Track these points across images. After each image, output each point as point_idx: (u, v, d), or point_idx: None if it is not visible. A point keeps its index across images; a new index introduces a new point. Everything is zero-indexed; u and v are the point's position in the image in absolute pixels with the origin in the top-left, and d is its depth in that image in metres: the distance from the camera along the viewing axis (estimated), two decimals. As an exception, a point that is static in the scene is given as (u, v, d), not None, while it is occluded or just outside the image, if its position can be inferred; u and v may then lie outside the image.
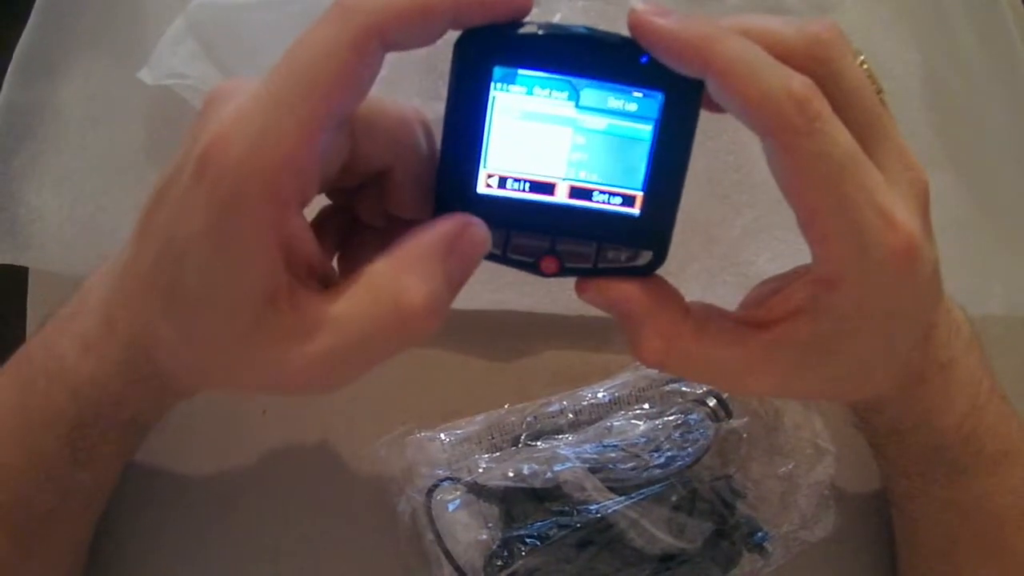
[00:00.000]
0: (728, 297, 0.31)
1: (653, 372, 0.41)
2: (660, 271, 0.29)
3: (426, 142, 0.29)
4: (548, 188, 0.27)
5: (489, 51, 0.26)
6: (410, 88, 0.43)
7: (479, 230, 0.26)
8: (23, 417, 0.30)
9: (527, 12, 0.25)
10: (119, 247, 0.29)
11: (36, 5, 0.43)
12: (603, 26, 0.26)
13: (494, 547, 0.38)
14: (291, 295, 0.25)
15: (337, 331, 0.25)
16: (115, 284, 0.28)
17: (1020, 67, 0.47)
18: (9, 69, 0.42)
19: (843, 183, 0.25)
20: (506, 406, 0.41)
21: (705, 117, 0.28)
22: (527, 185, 0.27)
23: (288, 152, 0.23)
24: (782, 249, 0.44)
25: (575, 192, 0.27)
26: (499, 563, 0.37)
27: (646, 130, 0.26)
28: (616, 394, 0.41)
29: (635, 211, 0.27)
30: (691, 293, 0.30)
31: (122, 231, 0.41)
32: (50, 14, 0.43)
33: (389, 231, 0.30)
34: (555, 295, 0.42)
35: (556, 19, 0.42)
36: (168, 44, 0.41)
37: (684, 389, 0.41)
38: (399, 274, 0.25)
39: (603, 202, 0.27)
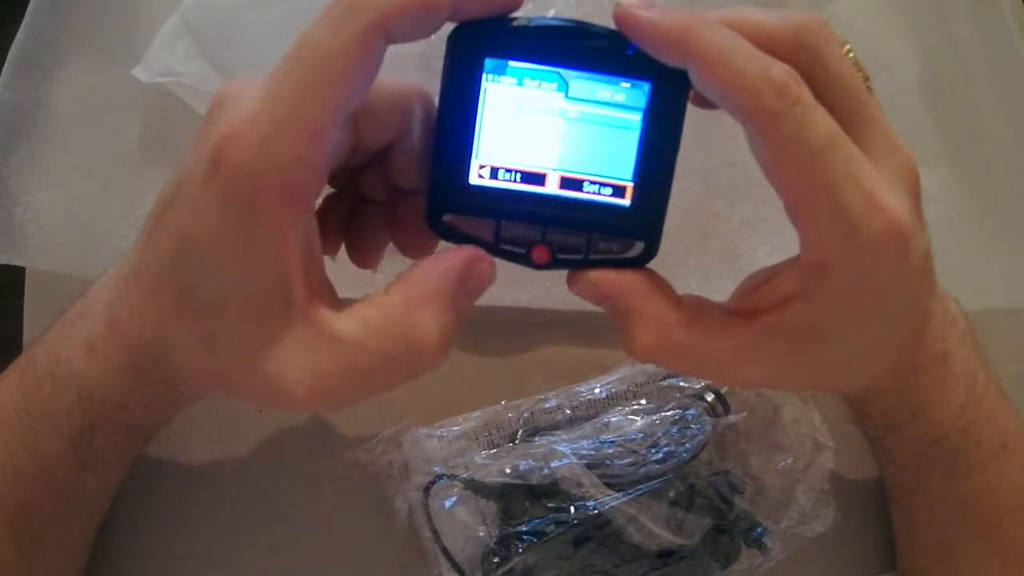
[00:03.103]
0: (725, 292, 0.31)
1: (650, 367, 0.41)
2: (655, 265, 0.29)
3: (426, 114, 0.29)
4: (539, 179, 0.27)
5: (480, 43, 0.26)
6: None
7: (487, 266, 0.27)
8: (27, 419, 0.30)
9: (518, 6, 0.26)
10: (123, 253, 0.29)
11: (31, 4, 0.43)
12: (597, 19, 0.26)
13: (491, 544, 0.38)
14: (307, 305, 0.25)
15: (350, 354, 0.25)
16: (121, 288, 0.28)
17: (1019, 59, 0.46)
18: (4, 68, 0.42)
19: (825, 165, 0.25)
20: (503, 402, 0.41)
21: (702, 112, 0.28)
22: (518, 175, 0.27)
23: (301, 150, 0.24)
24: (779, 244, 0.44)
25: (565, 182, 0.27)
26: (496, 560, 0.37)
27: (635, 120, 0.27)
28: (613, 390, 0.41)
29: (625, 202, 0.27)
30: (688, 288, 0.30)
31: (118, 229, 0.42)
32: (45, 13, 0.43)
33: (392, 204, 0.31)
34: (551, 291, 0.42)
35: (551, 13, 0.41)
36: (163, 42, 0.40)
37: (682, 384, 0.40)
38: (414, 309, 0.25)
39: (594, 192, 0.27)
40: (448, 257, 0.26)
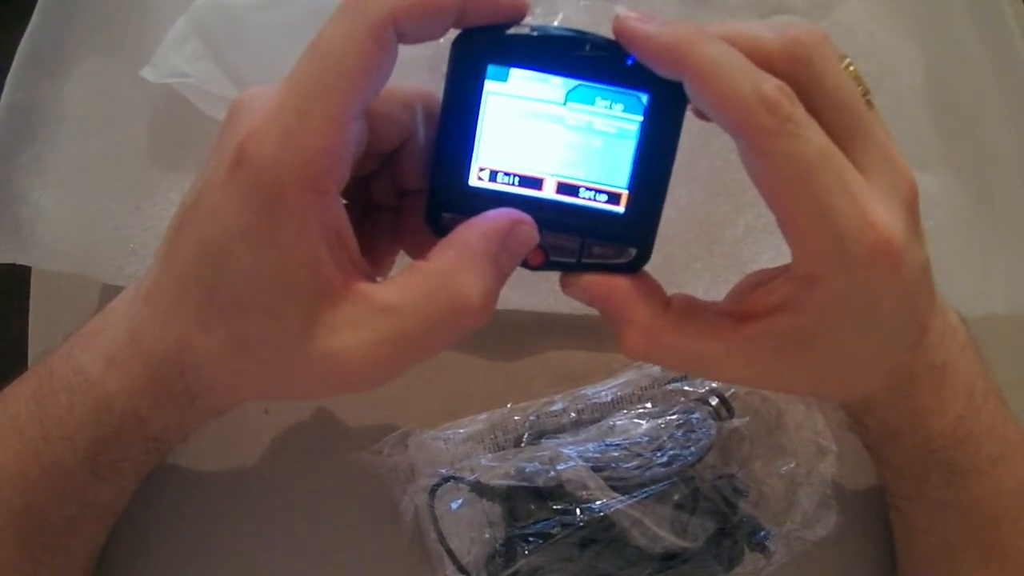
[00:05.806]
0: (731, 296, 0.31)
1: (655, 371, 0.41)
2: (661, 269, 0.29)
3: (431, 116, 0.30)
4: (536, 183, 0.28)
5: (483, 50, 0.27)
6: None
7: (529, 228, 0.27)
8: (41, 429, 0.30)
9: (524, 15, 0.26)
10: (128, 253, 0.29)
11: (39, 4, 0.43)
12: (605, 25, 0.27)
13: (497, 546, 0.38)
14: (345, 285, 0.26)
15: (398, 322, 0.26)
16: (141, 303, 0.28)
17: (1021, 66, 0.47)
18: (12, 68, 0.42)
19: (815, 182, 0.25)
20: (509, 405, 0.41)
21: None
22: (516, 179, 0.28)
23: (321, 141, 0.24)
24: (784, 249, 0.43)
25: (562, 188, 0.28)
26: (501, 562, 0.37)
27: (632, 129, 0.27)
28: (618, 393, 0.41)
29: (620, 209, 0.28)
30: (694, 292, 0.30)
31: (125, 230, 0.42)
32: (53, 13, 0.43)
33: (400, 208, 0.31)
34: (558, 294, 0.42)
35: (559, 18, 0.42)
36: (171, 43, 0.40)
37: (686, 388, 0.40)
38: (456, 271, 0.26)
39: (589, 199, 0.28)
40: (489, 220, 0.27)
